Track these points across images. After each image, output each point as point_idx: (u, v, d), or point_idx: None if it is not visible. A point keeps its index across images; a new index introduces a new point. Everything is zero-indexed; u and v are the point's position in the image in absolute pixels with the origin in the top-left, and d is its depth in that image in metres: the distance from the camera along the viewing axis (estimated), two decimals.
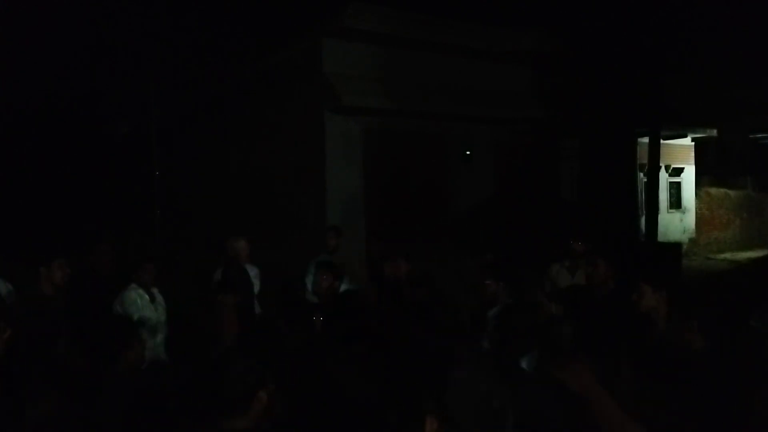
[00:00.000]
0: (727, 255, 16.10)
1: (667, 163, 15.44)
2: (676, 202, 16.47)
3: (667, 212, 15.81)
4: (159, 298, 4.36)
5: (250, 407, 1.89)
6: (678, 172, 16.42)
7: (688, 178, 16.73)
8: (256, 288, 4.96)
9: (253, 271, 4.96)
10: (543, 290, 4.74)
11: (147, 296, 4.20)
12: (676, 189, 16.53)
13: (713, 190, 17.41)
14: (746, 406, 2.00)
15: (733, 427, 2.12)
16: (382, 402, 2.30)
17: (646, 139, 10.28)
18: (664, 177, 15.38)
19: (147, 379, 2.73)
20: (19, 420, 3.44)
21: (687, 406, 2.43)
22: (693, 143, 16.59)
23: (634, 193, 10.90)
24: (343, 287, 4.24)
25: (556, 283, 4.63)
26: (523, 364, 2.69)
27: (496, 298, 3.54)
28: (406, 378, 2.43)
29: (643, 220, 11.36)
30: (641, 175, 12.82)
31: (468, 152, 8.64)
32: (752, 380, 2.05)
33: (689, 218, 16.60)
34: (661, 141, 10.34)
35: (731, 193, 17.77)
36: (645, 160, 10.77)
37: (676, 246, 12.50)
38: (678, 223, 16.28)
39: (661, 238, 11.36)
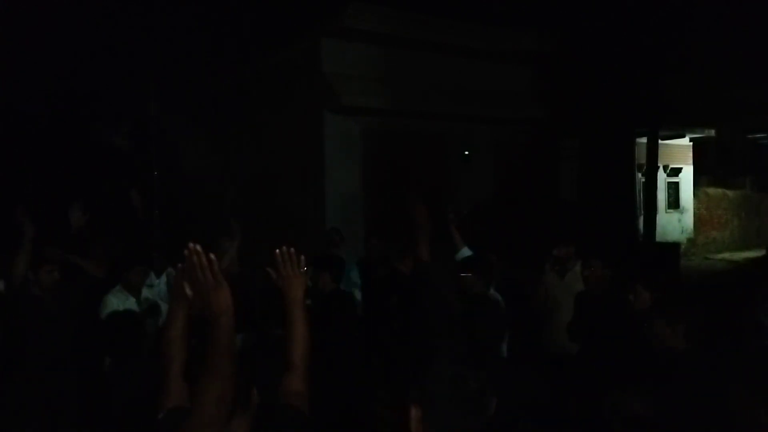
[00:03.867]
0: (726, 255, 16.13)
1: (666, 163, 15.47)
2: (674, 202, 16.49)
3: (666, 212, 15.82)
4: (151, 297, 4.23)
5: (245, 408, 1.88)
6: (676, 172, 16.44)
7: (687, 178, 16.75)
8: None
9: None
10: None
11: (133, 299, 4.07)
12: (674, 189, 16.54)
13: (711, 190, 17.44)
14: (723, 406, 2.01)
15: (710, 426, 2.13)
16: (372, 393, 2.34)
17: (644, 139, 10.30)
18: (662, 177, 15.40)
19: (143, 378, 2.73)
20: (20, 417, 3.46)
21: (665, 405, 2.45)
22: (691, 143, 16.61)
23: (633, 193, 10.91)
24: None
25: (547, 289, 4.66)
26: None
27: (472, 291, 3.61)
28: (393, 370, 2.50)
29: (641, 220, 11.38)
30: (639, 175, 12.84)
31: (468, 152, 8.64)
32: (731, 380, 2.06)
33: (687, 218, 16.62)
34: (660, 141, 10.36)
35: (729, 193, 17.80)
36: (643, 160, 10.79)
37: (674, 246, 12.52)
38: (676, 223, 16.31)
39: (659, 238, 11.38)
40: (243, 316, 4.29)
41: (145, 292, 4.23)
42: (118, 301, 3.97)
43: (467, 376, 1.44)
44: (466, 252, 4.33)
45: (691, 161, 16.76)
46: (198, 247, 1.55)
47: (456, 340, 1.62)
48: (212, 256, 1.56)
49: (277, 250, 2.11)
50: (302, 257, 2.11)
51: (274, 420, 1.90)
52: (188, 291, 1.63)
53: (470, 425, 1.43)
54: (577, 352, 4.00)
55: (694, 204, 16.73)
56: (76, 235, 4.54)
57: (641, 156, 10.71)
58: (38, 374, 3.60)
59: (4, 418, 3.39)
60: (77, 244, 4.45)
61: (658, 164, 10.76)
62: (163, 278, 4.64)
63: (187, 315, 2.24)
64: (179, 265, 2.29)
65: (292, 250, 2.11)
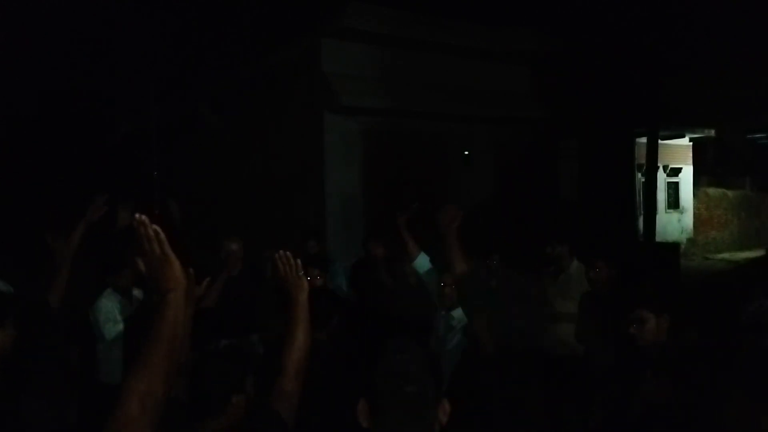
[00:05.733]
0: (725, 255, 16.14)
1: (665, 163, 15.48)
2: (674, 202, 16.51)
3: (665, 212, 15.84)
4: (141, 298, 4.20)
5: (224, 410, 1.92)
6: (676, 172, 16.45)
7: (686, 178, 16.76)
8: None
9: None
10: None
11: (126, 301, 4.08)
12: (674, 189, 16.56)
13: (711, 190, 17.45)
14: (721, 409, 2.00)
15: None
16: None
17: (644, 139, 10.31)
18: (662, 177, 15.41)
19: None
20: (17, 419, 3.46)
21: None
22: (691, 143, 16.63)
23: (633, 193, 10.93)
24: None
25: (542, 290, 4.63)
26: None
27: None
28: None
29: (641, 220, 11.38)
30: (639, 175, 12.84)
31: (468, 152, 8.64)
32: (730, 384, 2.05)
33: (687, 218, 16.63)
34: (659, 141, 10.37)
35: (729, 193, 17.81)
36: (643, 160, 10.80)
37: (674, 246, 12.53)
38: (676, 223, 16.32)
39: (659, 238, 11.39)
40: (244, 317, 4.30)
41: (137, 293, 4.23)
42: (111, 304, 4.00)
43: (407, 379, 1.38)
44: (423, 259, 3.93)
45: (690, 161, 16.77)
46: (144, 218, 1.40)
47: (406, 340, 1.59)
48: (157, 227, 1.41)
49: (276, 254, 2.08)
50: (299, 260, 2.08)
51: (253, 421, 1.91)
52: (141, 266, 1.45)
53: (410, 429, 1.38)
54: (584, 354, 4.00)
55: (693, 204, 16.74)
56: (119, 233, 4.52)
57: (641, 156, 10.73)
58: (42, 374, 3.61)
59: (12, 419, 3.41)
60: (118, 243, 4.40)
61: (658, 164, 10.76)
62: None
63: (190, 316, 2.26)
64: None
65: (289, 253, 2.08)
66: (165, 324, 1.38)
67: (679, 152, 16.32)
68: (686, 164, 16.66)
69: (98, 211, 3.62)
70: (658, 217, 10.85)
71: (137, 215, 1.41)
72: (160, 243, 1.40)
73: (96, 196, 3.59)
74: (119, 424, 1.28)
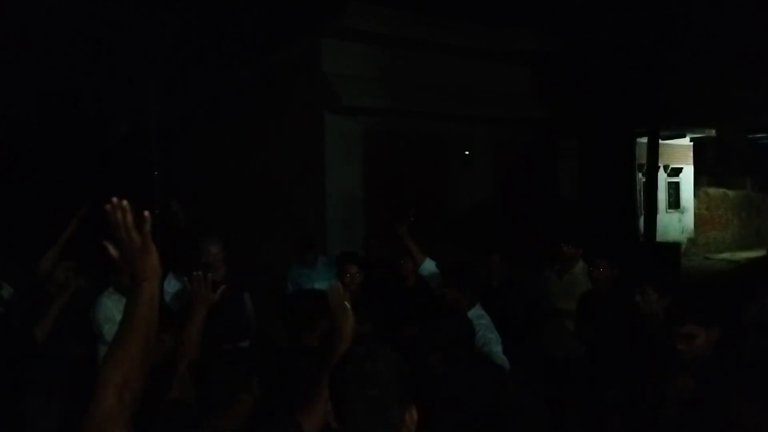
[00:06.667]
0: (726, 255, 16.13)
1: (666, 163, 15.47)
2: (674, 202, 16.49)
3: (666, 212, 15.83)
4: None
5: (232, 408, 1.95)
6: (677, 172, 16.44)
7: (687, 178, 16.75)
8: None
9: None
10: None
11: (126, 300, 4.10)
12: (674, 189, 16.55)
13: (712, 190, 17.44)
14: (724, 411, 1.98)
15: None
16: None
17: (644, 139, 10.30)
18: (662, 177, 15.40)
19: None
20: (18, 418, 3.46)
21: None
22: (692, 143, 16.62)
23: (633, 193, 10.92)
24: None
25: (544, 288, 4.62)
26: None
27: (458, 305, 3.32)
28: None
29: (641, 220, 11.38)
30: (640, 175, 12.84)
31: (468, 152, 8.64)
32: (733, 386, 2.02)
33: (688, 218, 16.62)
34: (660, 141, 10.36)
35: (730, 192, 17.81)
36: (644, 160, 10.79)
37: (674, 246, 12.54)
38: (677, 223, 16.31)
39: (659, 238, 11.37)
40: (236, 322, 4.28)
41: None
42: (112, 303, 3.97)
43: (370, 382, 1.37)
44: (429, 264, 3.95)
45: (691, 161, 16.76)
46: (124, 203, 1.31)
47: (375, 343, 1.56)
48: (146, 213, 1.33)
49: (329, 287, 1.99)
50: (347, 293, 1.99)
51: (271, 427, 1.90)
52: (113, 252, 1.36)
53: (370, 429, 1.37)
54: (585, 353, 3.99)
55: (694, 204, 16.73)
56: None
57: (642, 156, 10.72)
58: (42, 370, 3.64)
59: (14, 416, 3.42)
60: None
61: (659, 164, 10.75)
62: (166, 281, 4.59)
63: (205, 318, 2.27)
64: (196, 273, 2.29)
65: (340, 285, 2.00)
66: (139, 314, 1.32)
67: (679, 152, 16.31)
68: (687, 164, 16.65)
69: (74, 228, 3.67)
70: (658, 217, 10.84)
71: (113, 199, 1.32)
72: (141, 231, 1.33)
73: (77, 212, 3.63)
74: (97, 417, 1.23)
